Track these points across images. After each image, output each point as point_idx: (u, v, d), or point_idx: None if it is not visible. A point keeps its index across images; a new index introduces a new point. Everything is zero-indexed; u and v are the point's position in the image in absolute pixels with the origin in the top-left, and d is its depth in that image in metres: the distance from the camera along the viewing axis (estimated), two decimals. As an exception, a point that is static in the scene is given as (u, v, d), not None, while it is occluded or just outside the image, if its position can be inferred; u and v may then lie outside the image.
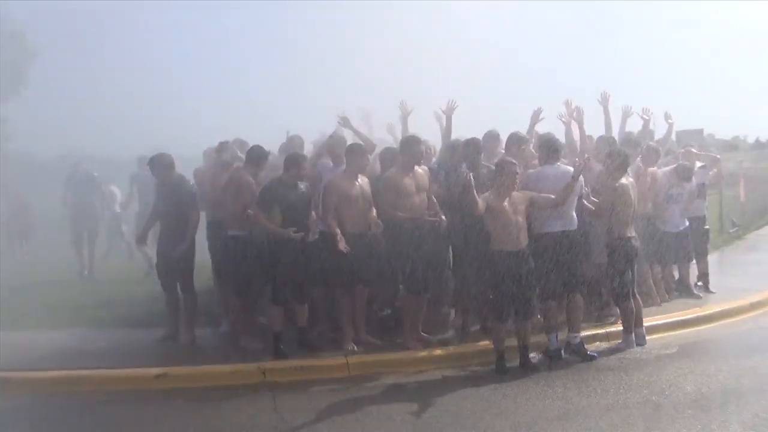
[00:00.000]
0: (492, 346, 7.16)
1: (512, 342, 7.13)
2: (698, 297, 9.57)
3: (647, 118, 9.59)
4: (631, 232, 7.62)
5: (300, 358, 7.20)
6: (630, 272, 7.60)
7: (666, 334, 8.24)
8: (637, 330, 7.72)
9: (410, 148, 7.48)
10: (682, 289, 9.76)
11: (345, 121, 8.18)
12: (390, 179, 7.39)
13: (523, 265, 6.91)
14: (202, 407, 6.29)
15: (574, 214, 7.35)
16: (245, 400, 6.41)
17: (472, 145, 7.86)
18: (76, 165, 13.95)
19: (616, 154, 7.57)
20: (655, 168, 9.06)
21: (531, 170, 7.63)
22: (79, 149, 18.62)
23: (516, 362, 7.08)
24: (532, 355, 7.20)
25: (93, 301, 9.78)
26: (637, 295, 7.83)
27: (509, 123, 9.44)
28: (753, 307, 9.33)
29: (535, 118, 8.71)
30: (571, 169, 7.26)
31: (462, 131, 8.55)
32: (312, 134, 8.89)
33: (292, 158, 7.38)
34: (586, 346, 7.44)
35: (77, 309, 9.47)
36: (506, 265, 6.85)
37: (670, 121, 10.12)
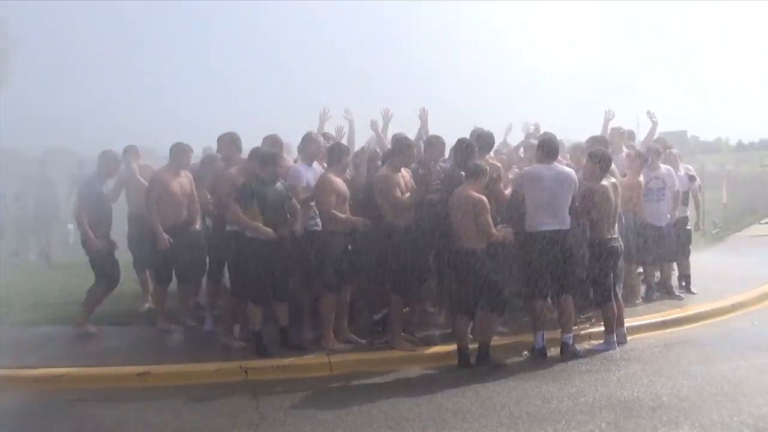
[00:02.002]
0: (473, 347, 7.24)
1: (501, 341, 7.18)
2: (679, 298, 9.65)
3: (656, 120, 10.26)
4: (613, 233, 7.67)
5: (282, 357, 7.19)
6: (612, 273, 7.66)
7: (648, 334, 8.31)
8: (619, 330, 7.78)
9: (407, 149, 7.53)
10: (663, 290, 9.83)
11: (326, 136, 8.25)
12: (390, 177, 7.38)
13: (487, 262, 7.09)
14: (183, 406, 6.26)
15: (568, 215, 7.40)
16: (227, 398, 6.39)
17: (465, 144, 7.81)
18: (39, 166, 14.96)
19: (598, 155, 7.63)
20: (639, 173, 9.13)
21: (526, 168, 7.68)
22: (64, 146, 18.57)
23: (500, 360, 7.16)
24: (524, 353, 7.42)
25: (75, 299, 9.70)
26: (619, 296, 7.88)
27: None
28: (734, 308, 9.43)
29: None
30: (568, 169, 7.42)
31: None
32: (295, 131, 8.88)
33: (269, 156, 7.36)
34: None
35: (59, 306, 9.41)
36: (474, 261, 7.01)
37: (654, 119, 10.25)
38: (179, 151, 8.31)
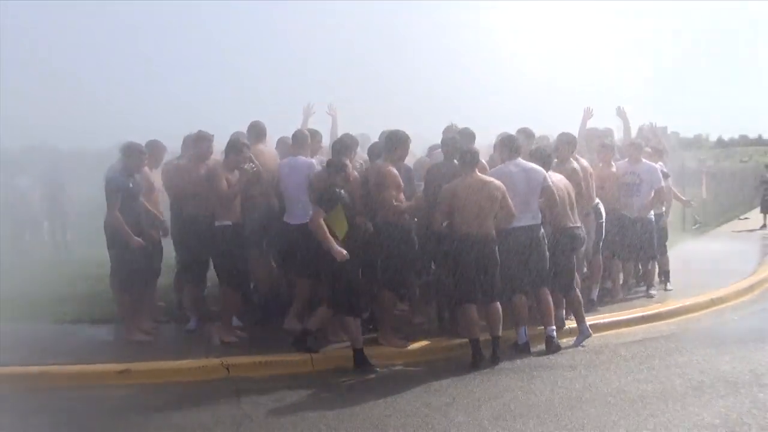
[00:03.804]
0: (457, 342, 7.33)
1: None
2: (650, 296, 9.72)
3: (625, 116, 10.24)
4: (574, 222, 7.78)
5: (264, 354, 7.18)
6: (576, 261, 7.87)
7: (628, 329, 8.39)
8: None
9: (403, 143, 7.54)
10: (644, 286, 9.89)
11: None
12: (392, 173, 7.34)
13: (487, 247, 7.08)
14: (165, 403, 6.24)
15: (538, 210, 7.47)
16: (209, 395, 6.37)
17: (452, 138, 7.87)
18: None
19: (537, 152, 7.79)
20: (612, 165, 9.21)
21: (496, 168, 7.69)
22: (46, 140, 18.37)
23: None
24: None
25: (55, 297, 9.65)
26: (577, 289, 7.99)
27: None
28: (713, 302, 9.53)
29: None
30: (535, 165, 7.49)
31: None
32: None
33: (338, 164, 7.16)
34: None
35: (38, 304, 9.34)
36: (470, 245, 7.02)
37: (624, 116, 10.27)
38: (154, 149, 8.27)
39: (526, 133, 8.67)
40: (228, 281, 7.65)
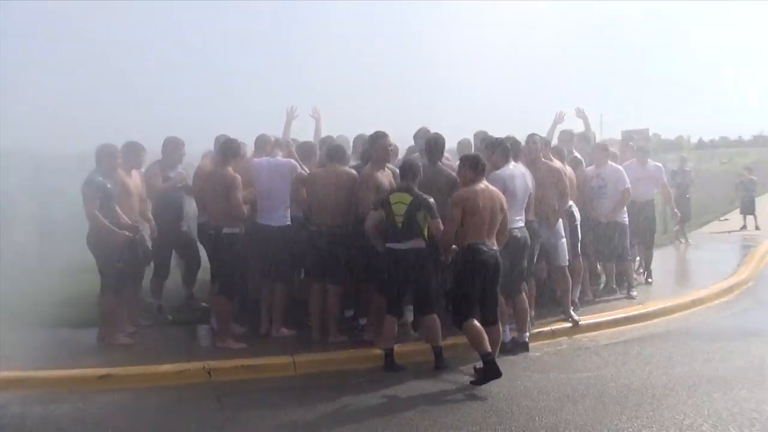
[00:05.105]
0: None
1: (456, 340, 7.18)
2: (632, 297, 9.79)
3: (561, 119, 10.18)
4: (531, 217, 7.74)
5: (246, 358, 7.16)
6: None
7: (610, 330, 8.45)
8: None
9: (374, 142, 7.56)
10: (624, 288, 9.97)
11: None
12: (371, 176, 7.39)
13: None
14: (146, 408, 6.20)
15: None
16: (191, 400, 6.34)
17: (435, 142, 7.78)
18: None
19: (496, 144, 7.74)
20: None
21: (497, 171, 7.47)
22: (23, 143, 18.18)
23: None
24: None
25: (35, 301, 9.55)
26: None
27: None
28: (694, 303, 9.64)
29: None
30: (528, 172, 7.57)
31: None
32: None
33: (411, 166, 7.03)
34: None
35: (19, 308, 9.24)
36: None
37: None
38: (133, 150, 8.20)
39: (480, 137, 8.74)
40: (226, 290, 7.62)
